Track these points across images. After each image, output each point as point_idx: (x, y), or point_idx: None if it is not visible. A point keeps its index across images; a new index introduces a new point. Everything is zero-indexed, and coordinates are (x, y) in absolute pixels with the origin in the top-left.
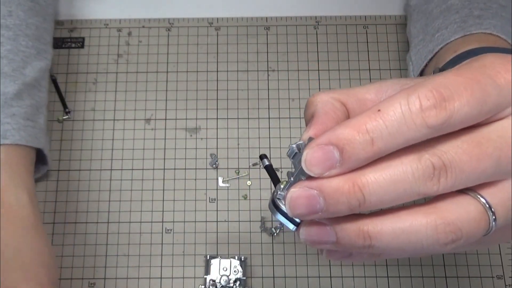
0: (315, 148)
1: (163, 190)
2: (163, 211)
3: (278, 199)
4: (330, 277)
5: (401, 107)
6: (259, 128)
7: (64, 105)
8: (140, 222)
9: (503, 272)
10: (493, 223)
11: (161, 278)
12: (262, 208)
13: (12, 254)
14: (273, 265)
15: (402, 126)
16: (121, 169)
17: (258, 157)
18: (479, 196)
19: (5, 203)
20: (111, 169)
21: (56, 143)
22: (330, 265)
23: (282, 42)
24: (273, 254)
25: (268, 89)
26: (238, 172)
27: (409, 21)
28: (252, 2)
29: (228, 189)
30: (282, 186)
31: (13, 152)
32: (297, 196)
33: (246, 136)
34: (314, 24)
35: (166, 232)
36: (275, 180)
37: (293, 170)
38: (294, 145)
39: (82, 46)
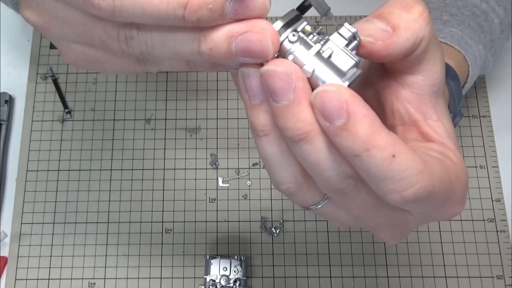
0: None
1: (163, 190)
2: (163, 211)
3: (290, 42)
4: (330, 277)
5: None
6: None
7: (64, 105)
8: (140, 222)
9: (503, 272)
10: None
11: (161, 278)
12: (262, 208)
13: None
14: (273, 265)
15: None
16: (121, 169)
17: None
18: None
19: None
20: (111, 169)
21: (56, 143)
22: (330, 265)
23: None
24: (273, 254)
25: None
26: (238, 172)
27: None
28: None
29: (228, 189)
30: (307, 29)
31: None
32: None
33: (246, 136)
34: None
35: (166, 232)
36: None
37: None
38: (354, 29)
39: None
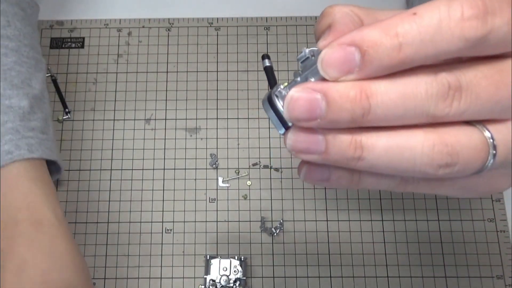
0: (336, 48)
1: (163, 190)
2: (163, 211)
3: (276, 96)
4: (330, 277)
5: (440, 13)
6: (259, 128)
7: (64, 105)
8: (140, 222)
9: (503, 272)
10: (492, 160)
11: (161, 278)
12: (262, 208)
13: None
14: (273, 265)
15: (437, 34)
16: (121, 169)
17: (261, 58)
18: (484, 129)
19: (44, 220)
20: (111, 169)
21: (56, 143)
22: (330, 265)
23: (282, 42)
24: (273, 254)
25: (268, 89)
26: (238, 172)
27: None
28: (252, 2)
29: (228, 189)
30: (283, 85)
31: (39, 166)
32: (298, 97)
33: (246, 136)
34: (314, 24)
35: (166, 232)
36: (273, 83)
37: (300, 72)
38: (307, 50)
39: (82, 46)
